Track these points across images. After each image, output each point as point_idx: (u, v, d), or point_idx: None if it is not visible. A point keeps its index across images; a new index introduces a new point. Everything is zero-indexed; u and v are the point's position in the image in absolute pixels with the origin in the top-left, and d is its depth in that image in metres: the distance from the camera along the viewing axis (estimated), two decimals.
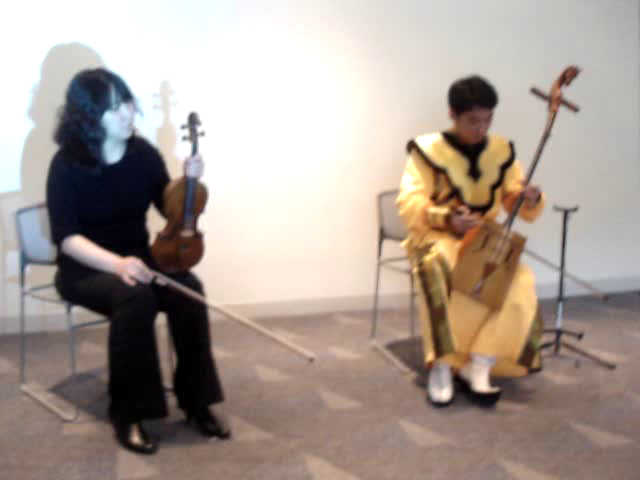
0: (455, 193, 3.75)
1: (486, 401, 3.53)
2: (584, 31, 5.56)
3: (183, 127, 3.35)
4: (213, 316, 3.29)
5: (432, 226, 3.71)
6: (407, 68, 5.20)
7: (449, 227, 3.64)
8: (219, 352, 4.19)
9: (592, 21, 5.60)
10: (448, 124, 3.85)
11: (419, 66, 5.20)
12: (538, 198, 3.70)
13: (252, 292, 5.03)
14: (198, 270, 3.39)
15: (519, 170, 3.85)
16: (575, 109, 3.76)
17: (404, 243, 3.98)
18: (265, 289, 5.11)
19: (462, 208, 3.55)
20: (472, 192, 3.76)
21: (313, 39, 5.02)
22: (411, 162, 3.83)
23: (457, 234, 3.68)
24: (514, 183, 3.77)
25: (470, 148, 3.80)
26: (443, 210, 3.63)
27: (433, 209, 3.67)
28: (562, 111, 3.79)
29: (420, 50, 5.20)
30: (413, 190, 3.76)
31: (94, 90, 3.15)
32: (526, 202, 3.67)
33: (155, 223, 3.45)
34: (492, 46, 5.30)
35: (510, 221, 3.66)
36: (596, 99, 5.45)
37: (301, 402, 3.61)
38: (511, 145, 3.91)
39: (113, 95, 3.17)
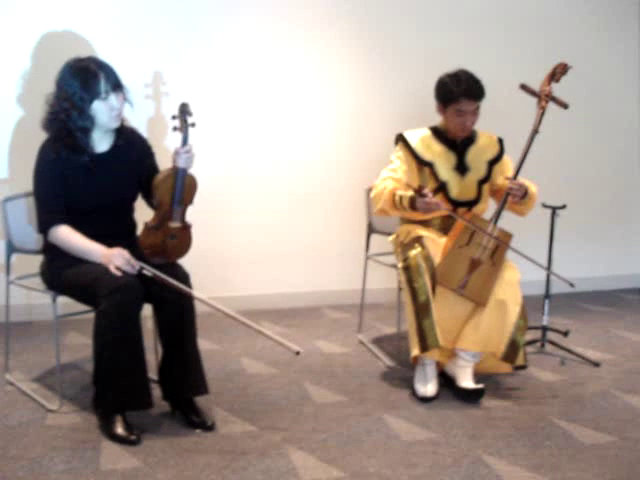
0: (441, 188, 3.75)
1: (470, 397, 3.54)
2: (575, 28, 5.58)
3: (174, 117, 3.35)
4: (199, 308, 3.28)
5: (400, 211, 3.68)
6: (396, 64, 5.21)
7: (414, 210, 3.60)
8: (205, 344, 4.18)
9: (583, 17, 5.62)
10: (436, 120, 3.85)
11: (408, 62, 5.21)
12: (525, 193, 3.70)
13: (239, 285, 5.02)
14: (185, 262, 3.38)
15: (509, 165, 3.85)
16: (564, 106, 3.76)
17: (391, 238, 3.98)
18: (252, 282, 5.11)
19: (426, 190, 3.53)
20: (458, 187, 3.76)
21: (303, 35, 5.03)
22: (396, 153, 3.82)
23: (443, 229, 3.69)
24: (503, 179, 3.78)
25: (458, 143, 3.80)
26: (409, 193, 3.61)
27: (400, 192, 3.64)
28: (551, 109, 3.80)
29: (410, 47, 5.21)
30: (387, 176, 3.75)
31: (84, 78, 3.13)
32: (512, 198, 3.67)
33: (142, 213, 3.43)
34: (482, 42, 5.32)
35: (496, 217, 3.67)
36: (586, 97, 5.48)
37: (286, 395, 3.61)
38: (500, 141, 3.91)
39: (103, 84, 3.15)
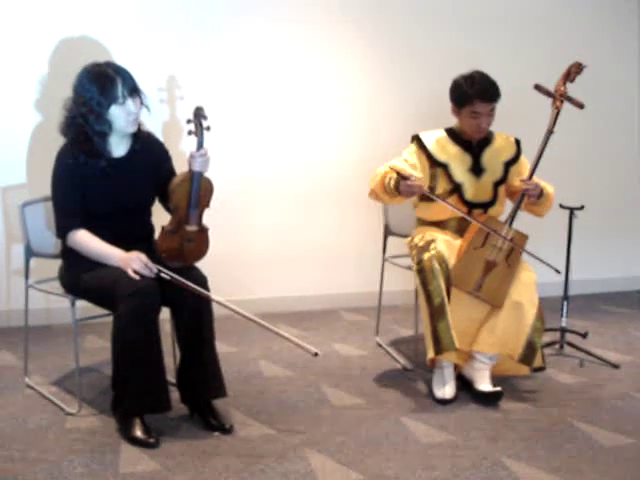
0: (456, 189, 3.74)
1: (488, 400, 3.53)
2: (588, 28, 5.57)
3: (189, 121, 3.36)
4: (217, 311, 3.29)
5: (389, 195, 3.63)
6: (411, 65, 5.21)
7: (399, 193, 3.56)
8: (223, 347, 4.19)
9: (595, 18, 5.60)
10: (451, 122, 3.84)
11: (423, 63, 5.21)
12: (541, 193, 3.68)
13: (256, 287, 5.03)
14: (202, 265, 3.38)
15: (526, 166, 3.82)
16: (580, 106, 3.74)
17: (407, 240, 3.98)
18: (269, 284, 5.11)
19: (409, 174, 3.51)
20: (474, 189, 3.75)
21: (317, 37, 5.04)
22: (408, 149, 3.81)
23: (458, 232, 3.68)
24: (519, 180, 3.76)
25: (474, 144, 3.79)
26: (403, 172, 3.58)
27: (391, 174, 3.61)
28: (567, 109, 3.77)
29: (423, 48, 5.21)
30: (391, 163, 3.73)
31: (101, 83, 3.15)
32: (528, 198, 3.65)
33: (159, 217, 3.45)
34: (495, 43, 5.31)
35: (511, 219, 3.65)
36: (601, 97, 5.44)
37: (304, 398, 3.61)
38: (517, 142, 3.89)
39: (120, 89, 3.16)
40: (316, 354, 3.00)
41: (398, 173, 3.50)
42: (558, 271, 3.63)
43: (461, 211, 3.63)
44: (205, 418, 3.24)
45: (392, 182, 3.57)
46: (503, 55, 5.26)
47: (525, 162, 3.85)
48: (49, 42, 4.50)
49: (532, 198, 3.65)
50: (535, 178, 3.68)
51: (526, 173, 3.75)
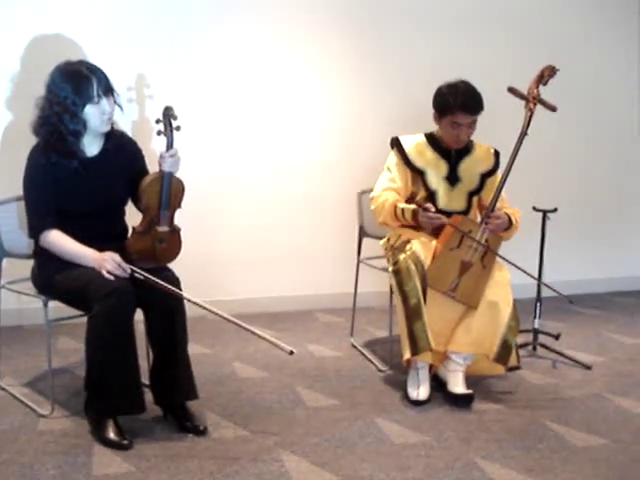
0: (430, 196, 3.75)
1: (460, 402, 3.54)
2: (566, 30, 5.60)
3: (158, 121, 3.33)
4: (191, 312, 3.27)
5: (403, 223, 3.69)
6: (392, 68, 5.22)
7: (417, 224, 3.62)
8: (197, 348, 4.18)
9: (575, 20, 5.64)
10: (431, 126, 3.85)
11: (403, 67, 5.22)
12: (509, 225, 3.69)
13: (230, 288, 5.01)
14: (175, 266, 3.37)
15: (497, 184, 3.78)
16: (553, 108, 3.77)
17: (382, 242, 3.99)
18: (244, 285, 5.10)
19: (429, 205, 3.54)
20: (447, 197, 3.76)
21: (297, 38, 5.03)
22: (391, 160, 3.83)
23: (433, 233, 3.69)
24: (484, 202, 3.76)
25: (452, 153, 3.80)
26: (411, 206, 3.63)
27: (402, 204, 3.66)
28: (542, 112, 3.80)
29: (404, 52, 5.22)
30: (386, 186, 3.76)
31: (76, 82, 3.12)
32: (491, 232, 3.64)
33: (134, 217, 3.42)
34: (475, 47, 5.33)
35: (486, 220, 3.66)
36: (576, 99, 5.49)
37: (279, 399, 3.60)
38: (497, 154, 3.90)
39: (95, 88, 3.13)
40: (292, 352, 2.98)
41: (419, 205, 3.52)
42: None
43: (460, 230, 3.59)
44: (179, 420, 3.22)
45: (408, 214, 3.61)
46: (481, 57, 5.29)
47: (499, 179, 3.79)
48: (21, 40, 4.45)
49: (496, 232, 3.66)
50: (504, 204, 3.70)
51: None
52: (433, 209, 3.53)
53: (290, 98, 5.07)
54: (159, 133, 3.33)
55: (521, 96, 3.79)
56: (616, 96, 5.85)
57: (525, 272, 3.58)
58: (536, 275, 4.23)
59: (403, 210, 3.63)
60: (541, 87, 3.80)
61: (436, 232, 3.70)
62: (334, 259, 5.19)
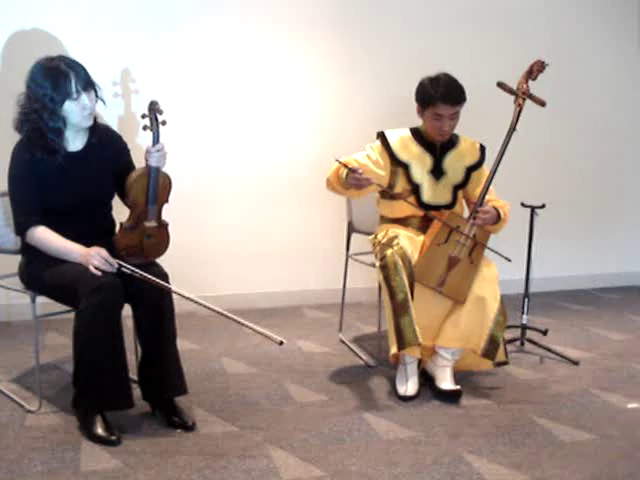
0: (414, 190, 3.75)
1: (448, 398, 3.55)
2: (554, 27, 5.62)
3: (144, 116, 3.32)
4: (180, 308, 3.27)
5: (342, 185, 3.63)
6: (377, 65, 5.22)
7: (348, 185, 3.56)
8: (185, 344, 4.17)
9: (563, 16, 5.65)
10: (415, 122, 3.85)
11: (389, 64, 5.23)
12: (497, 219, 3.70)
13: (219, 284, 5.01)
14: (164, 261, 3.36)
15: (484, 178, 3.78)
16: (542, 103, 3.77)
17: (370, 237, 3.99)
18: (232, 281, 5.10)
19: (357, 167, 3.50)
20: (432, 191, 3.76)
21: (282, 36, 5.03)
22: (374, 144, 3.81)
23: (420, 228, 3.71)
24: (474, 195, 3.76)
25: (437, 146, 3.81)
26: (351, 160, 3.59)
27: (344, 160, 3.59)
28: (531, 108, 3.81)
29: (390, 49, 5.23)
30: (353, 157, 3.72)
31: (54, 79, 3.09)
32: (479, 225, 3.65)
33: (122, 213, 3.41)
34: (462, 42, 5.34)
35: (474, 216, 3.67)
36: (565, 94, 5.51)
37: (267, 395, 3.60)
38: (482, 149, 3.91)
39: (73, 84, 3.10)
40: (281, 342, 2.97)
41: (345, 165, 3.50)
42: (509, 259, 3.65)
43: (416, 207, 3.64)
44: (167, 415, 3.22)
45: (344, 174, 3.57)
46: (470, 53, 5.30)
47: (485, 173, 3.82)
48: (1, 35, 4.42)
49: (485, 225, 3.67)
50: (492, 197, 3.69)
51: (481, 184, 3.75)
52: (361, 171, 3.48)
53: (276, 95, 5.07)
54: (145, 128, 3.31)
55: (510, 91, 3.80)
56: (605, 94, 5.87)
57: (498, 253, 3.57)
58: (524, 270, 4.25)
59: (343, 171, 3.55)
60: (530, 82, 3.81)
61: (423, 227, 3.70)
62: (323, 255, 5.20)
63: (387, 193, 3.64)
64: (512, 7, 5.48)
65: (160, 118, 3.31)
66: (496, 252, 3.57)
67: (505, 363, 3.73)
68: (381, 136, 3.82)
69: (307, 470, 2.86)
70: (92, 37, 4.55)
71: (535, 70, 3.84)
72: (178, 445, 3.04)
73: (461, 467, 2.91)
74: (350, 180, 3.50)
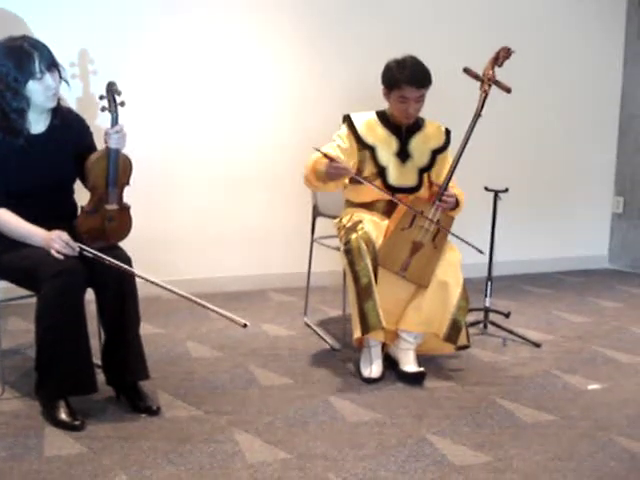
0: (380, 172, 3.76)
1: (412, 380, 3.58)
2: (523, 13, 5.65)
3: (102, 97, 3.28)
4: (143, 293, 3.25)
5: (320, 178, 3.62)
6: (341, 49, 5.22)
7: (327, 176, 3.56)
8: (149, 328, 4.15)
9: (532, 2, 5.68)
10: (381, 106, 3.85)
11: (354, 47, 5.22)
12: (455, 206, 3.73)
13: (183, 268, 4.99)
14: (127, 245, 3.33)
15: (449, 162, 3.81)
16: (507, 90, 3.79)
17: (335, 221, 3.99)
18: (197, 265, 5.08)
19: (336, 156, 3.53)
20: (398, 173, 3.77)
21: (250, 17, 5.00)
22: (341, 131, 3.81)
23: (385, 212, 3.72)
24: (435, 181, 3.78)
25: (403, 129, 3.81)
26: (329, 152, 3.59)
27: (323, 151, 3.58)
28: (496, 93, 3.83)
29: (356, 32, 5.22)
30: (323, 149, 3.72)
31: (17, 58, 3.04)
32: (442, 210, 3.67)
33: (84, 198, 3.38)
34: (429, 26, 5.37)
35: (437, 201, 3.69)
36: (525, 80, 5.53)
37: (232, 378, 3.60)
38: (447, 132, 3.92)
39: (37, 64, 3.06)
40: (245, 325, 2.97)
41: (325, 155, 3.50)
42: (481, 252, 3.69)
43: (388, 194, 3.66)
44: (132, 400, 3.20)
45: (322, 167, 3.57)
46: (438, 37, 5.32)
47: (449, 158, 3.84)
48: None
49: (446, 209, 3.70)
50: (451, 184, 3.71)
51: (446, 168, 3.76)
52: (340, 160, 3.50)
53: (242, 79, 5.04)
54: (103, 109, 3.27)
55: (476, 77, 3.81)
56: (569, 79, 5.93)
57: (472, 245, 3.59)
58: (487, 254, 4.28)
59: (320, 165, 3.55)
60: (496, 69, 3.83)
61: (388, 212, 3.72)
62: (287, 238, 5.20)
63: (356, 179, 3.63)
64: None
65: (119, 99, 3.26)
66: (468, 244, 3.59)
67: (466, 347, 3.77)
68: (347, 119, 3.82)
69: (272, 453, 2.87)
70: (47, 16, 4.46)
71: (501, 57, 3.85)
72: (143, 430, 3.03)
73: (425, 448, 2.94)
74: (330, 169, 3.50)
